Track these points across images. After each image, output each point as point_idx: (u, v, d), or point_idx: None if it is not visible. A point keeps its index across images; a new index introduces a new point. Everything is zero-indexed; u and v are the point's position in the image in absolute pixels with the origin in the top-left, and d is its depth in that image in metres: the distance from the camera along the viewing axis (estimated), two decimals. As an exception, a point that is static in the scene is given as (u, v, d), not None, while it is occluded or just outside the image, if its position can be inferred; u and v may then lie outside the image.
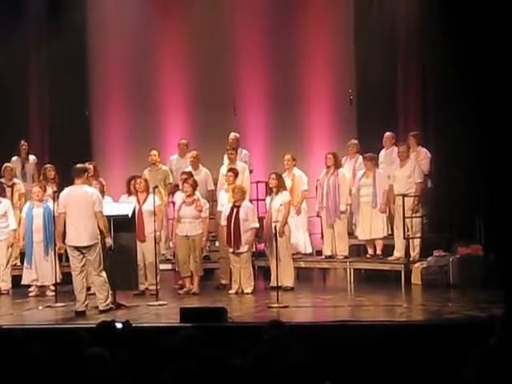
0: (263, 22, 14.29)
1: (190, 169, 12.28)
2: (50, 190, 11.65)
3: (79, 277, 9.70)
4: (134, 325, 6.51)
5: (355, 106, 13.95)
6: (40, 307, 10.35)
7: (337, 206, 12.00)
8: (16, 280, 11.64)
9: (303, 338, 5.57)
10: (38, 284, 11.38)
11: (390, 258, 11.75)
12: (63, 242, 9.88)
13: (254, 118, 14.27)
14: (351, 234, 12.38)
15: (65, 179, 11.10)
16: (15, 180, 12.49)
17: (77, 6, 14.11)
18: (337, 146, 12.97)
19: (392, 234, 11.81)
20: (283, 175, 11.74)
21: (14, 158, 12.97)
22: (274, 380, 4.37)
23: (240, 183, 11.61)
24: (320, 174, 12.29)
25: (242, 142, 13.19)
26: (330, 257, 12.20)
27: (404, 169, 11.72)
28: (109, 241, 9.78)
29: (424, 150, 12.24)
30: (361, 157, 12.35)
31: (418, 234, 11.67)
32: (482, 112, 11.00)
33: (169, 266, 12.03)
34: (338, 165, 12.09)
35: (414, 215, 11.57)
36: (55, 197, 10.40)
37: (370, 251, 12.03)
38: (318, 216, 12.53)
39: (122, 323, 6.07)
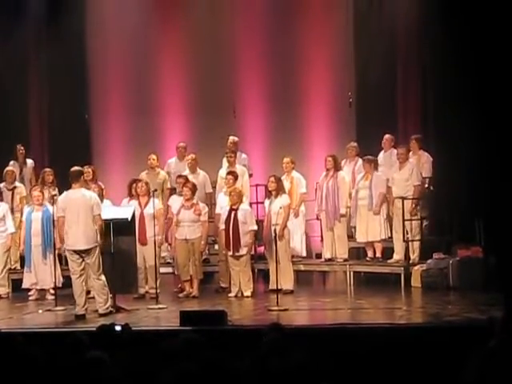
0: (263, 25, 14.29)
1: (187, 172, 12.29)
2: (46, 194, 11.64)
3: (79, 280, 9.69)
4: (133, 328, 6.49)
5: (354, 109, 13.93)
6: (40, 311, 10.35)
7: (336, 209, 11.99)
8: (16, 284, 11.65)
9: (303, 341, 5.57)
10: (38, 288, 11.38)
11: (389, 261, 11.74)
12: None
13: (253, 121, 14.26)
14: (351, 237, 12.38)
15: (64, 183, 11.07)
16: (16, 183, 12.47)
17: (76, 8, 14.12)
18: (336, 149, 12.96)
19: (391, 237, 11.81)
20: (282, 178, 11.74)
21: (11, 163, 12.93)
22: (274, 383, 4.38)
23: (239, 186, 11.61)
24: (319, 176, 12.28)
25: (242, 144, 13.18)
26: (330, 260, 12.19)
27: (403, 171, 11.71)
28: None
29: (426, 154, 12.24)
30: (360, 159, 12.35)
31: (418, 237, 11.65)
32: (482, 114, 10.98)
33: (169, 270, 12.02)
34: (337, 167, 12.09)
35: (412, 218, 11.57)
36: (54, 201, 10.40)
37: (370, 254, 12.04)
38: (317, 219, 12.52)
39: (122, 326, 6.06)
